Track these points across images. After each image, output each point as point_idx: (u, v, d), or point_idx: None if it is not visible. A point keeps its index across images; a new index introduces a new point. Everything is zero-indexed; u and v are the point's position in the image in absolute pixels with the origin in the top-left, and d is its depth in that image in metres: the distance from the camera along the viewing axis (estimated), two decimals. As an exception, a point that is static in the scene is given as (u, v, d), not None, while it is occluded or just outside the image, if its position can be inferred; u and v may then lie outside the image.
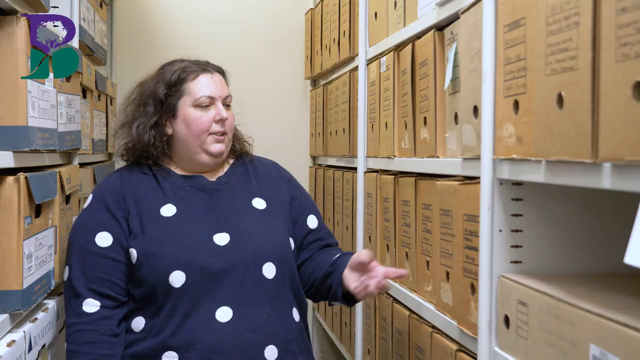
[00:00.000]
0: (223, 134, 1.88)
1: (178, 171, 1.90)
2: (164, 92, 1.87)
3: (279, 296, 1.80)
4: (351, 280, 1.76)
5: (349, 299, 1.82)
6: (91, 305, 1.77)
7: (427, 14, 1.82)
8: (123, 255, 1.79)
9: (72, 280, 1.79)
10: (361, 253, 1.75)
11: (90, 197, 1.87)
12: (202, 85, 1.88)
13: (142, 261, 1.77)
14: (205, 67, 1.92)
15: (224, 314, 1.74)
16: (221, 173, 1.93)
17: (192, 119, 1.86)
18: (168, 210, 1.82)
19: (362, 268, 1.75)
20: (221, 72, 1.96)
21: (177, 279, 1.74)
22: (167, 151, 1.90)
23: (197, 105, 1.86)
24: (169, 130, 1.89)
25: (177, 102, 1.87)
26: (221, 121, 1.87)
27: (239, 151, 1.99)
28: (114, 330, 1.77)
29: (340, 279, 1.79)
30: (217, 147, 1.87)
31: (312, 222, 1.96)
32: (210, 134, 1.86)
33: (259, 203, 1.89)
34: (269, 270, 1.79)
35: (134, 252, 1.78)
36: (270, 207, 1.89)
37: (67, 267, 1.82)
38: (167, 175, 1.88)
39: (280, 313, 1.79)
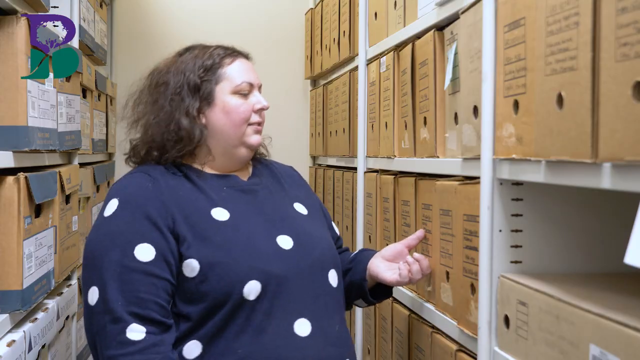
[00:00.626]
0: (260, 124, 1.70)
1: (208, 170, 1.66)
2: (200, 77, 1.64)
3: (342, 305, 1.68)
4: (384, 268, 1.72)
5: (376, 294, 1.77)
6: (136, 332, 1.45)
7: (427, 14, 1.82)
8: (167, 271, 1.50)
9: (109, 302, 1.46)
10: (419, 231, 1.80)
11: (116, 202, 1.55)
12: (241, 71, 1.67)
13: (208, 272, 1.50)
14: (239, 51, 1.73)
15: (302, 327, 1.54)
16: (249, 173, 1.74)
17: (232, 107, 1.64)
18: (220, 214, 1.57)
19: (399, 257, 1.75)
20: (250, 58, 1.76)
21: (253, 289, 1.51)
22: (205, 145, 1.65)
23: (237, 92, 1.65)
24: (203, 121, 1.64)
25: (215, 89, 1.64)
26: (260, 110, 1.69)
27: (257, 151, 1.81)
28: (169, 356, 1.47)
29: (364, 273, 1.74)
30: (256, 139, 1.69)
31: (335, 228, 1.88)
32: (250, 124, 1.67)
33: (300, 208, 1.73)
34: (333, 277, 1.65)
35: (194, 264, 1.51)
36: (310, 212, 1.74)
37: (94, 288, 1.49)
38: (199, 175, 1.64)
39: (345, 323, 1.66)
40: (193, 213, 1.55)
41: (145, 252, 1.49)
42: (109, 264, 1.48)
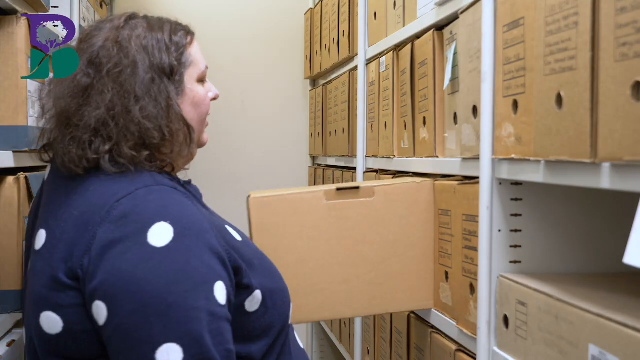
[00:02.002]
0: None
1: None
2: (176, 58, 1.33)
3: None
4: None
5: None
6: None
7: (427, 13, 1.82)
8: (229, 312, 1.22)
9: None
10: None
11: (168, 227, 1.17)
12: (200, 53, 1.40)
13: (268, 302, 1.29)
14: (188, 26, 1.44)
15: (298, 339, 1.46)
16: None
17: (201, 98, 1.36)
18: (234, 232, 1.34)
19: None
20: None
21: (290, 312, 1.38)
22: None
23: (201, 80, 1.38)
24: None
25: (184, 75, 1.34)
26: (213, 100, 1.42)
27: None
28: None
29: None
30: (207, 136, 1.44)
31: None
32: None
33: None
34: None
35: (258, 295, 1.28)
36: None
37: (170, 347, 1.12)
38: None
39: None
40: (225, 235, 1.29)
41: (221, 293, 1.19)
42: (196, 312, 1.14)
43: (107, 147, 1.24)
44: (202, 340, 1.13)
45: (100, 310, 1.15)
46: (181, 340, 1.12)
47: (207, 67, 1.41)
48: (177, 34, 1.37)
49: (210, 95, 1.41)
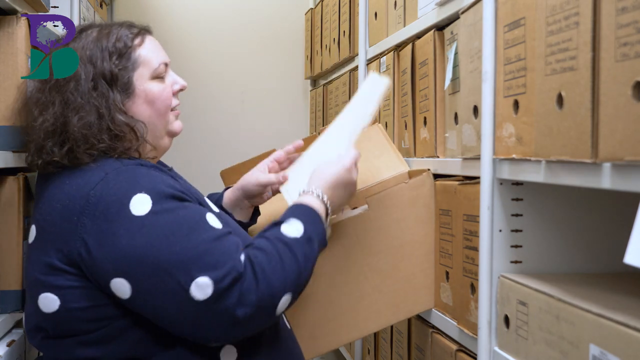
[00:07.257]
0: (177, 107, 1.52)
1: None
2: (116, 65, 1.41)
3: None
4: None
5: None
6: None
7: (427, 13, 1.82)
8: None
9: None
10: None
11: (147, 197, 1.32)
12: (155, 51, 1.48)
13: None
14: (143, 27, 1.51)
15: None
16: None
17: (156, 94, 1.45)
18: (213, 206, 1.55)
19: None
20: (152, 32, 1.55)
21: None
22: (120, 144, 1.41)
23: (156, 77, 1.46)
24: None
25: (132, 77, 1.42)
26: (179, 92, 1.52)
27: None
28: None
29: None
30: (179, 125, 1.52)
31: None
32: (172, 109, 1.49)
33: None
34: None
35: None
36: None
37: (202, 279, 1.26)
38: None
39: None
40: (202, 202, 1.45)
41: (214, 220, 1.34)
42: (203, 245, 1.28)
43: (64, 151, 1.37)
44: (222, 263, 1.26)
45: (121, 286, 1.28)
46: (205, 272, 1.25)
47: (164, 63, 1.48)
48: (122, 39, 1.44)
49: (176, 87, 1.49)
